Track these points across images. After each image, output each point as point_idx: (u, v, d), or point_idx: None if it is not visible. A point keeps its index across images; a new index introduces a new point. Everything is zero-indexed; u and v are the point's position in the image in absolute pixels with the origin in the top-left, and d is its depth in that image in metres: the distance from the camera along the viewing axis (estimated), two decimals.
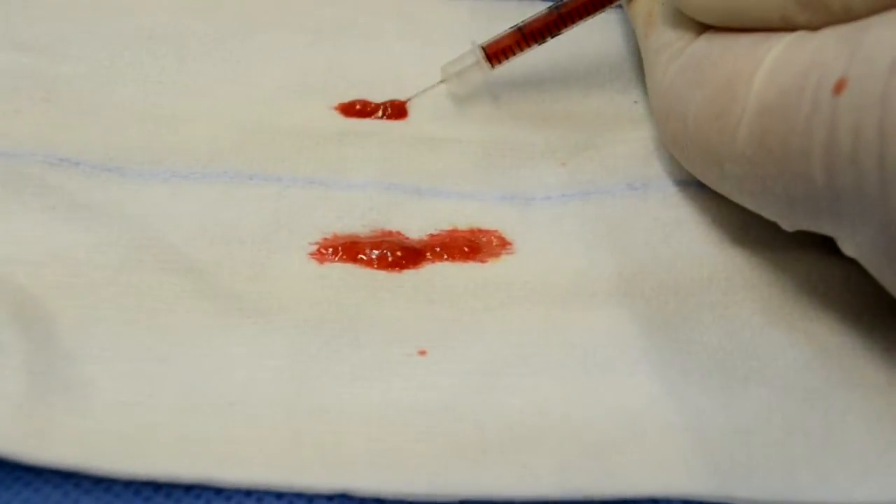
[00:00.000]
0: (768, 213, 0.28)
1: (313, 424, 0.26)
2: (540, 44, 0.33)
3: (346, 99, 0.34)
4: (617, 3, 0.32)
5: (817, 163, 0.24)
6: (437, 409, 0.26)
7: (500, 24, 0.37)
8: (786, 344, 0.28)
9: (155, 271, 0.29)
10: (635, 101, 0.36)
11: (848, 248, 0.26)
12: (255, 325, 0.28)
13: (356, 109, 0.34)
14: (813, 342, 0.28)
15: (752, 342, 0.28)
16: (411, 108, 0.34)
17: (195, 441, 0.25)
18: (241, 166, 0.32)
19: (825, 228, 0.26)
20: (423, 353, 0.28)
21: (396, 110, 0.34)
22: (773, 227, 0.29)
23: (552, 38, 0.33)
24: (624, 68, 0.36)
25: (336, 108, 0.34)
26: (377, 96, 0.35)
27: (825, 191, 0.24)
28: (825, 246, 0.30)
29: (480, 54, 0.34)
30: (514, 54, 0.34)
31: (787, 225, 0.27)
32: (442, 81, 0.34)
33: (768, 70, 0.25)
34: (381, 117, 0.34)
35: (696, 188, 0.32)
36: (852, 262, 0.30)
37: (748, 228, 0.31)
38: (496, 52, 0.33)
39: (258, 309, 0.28)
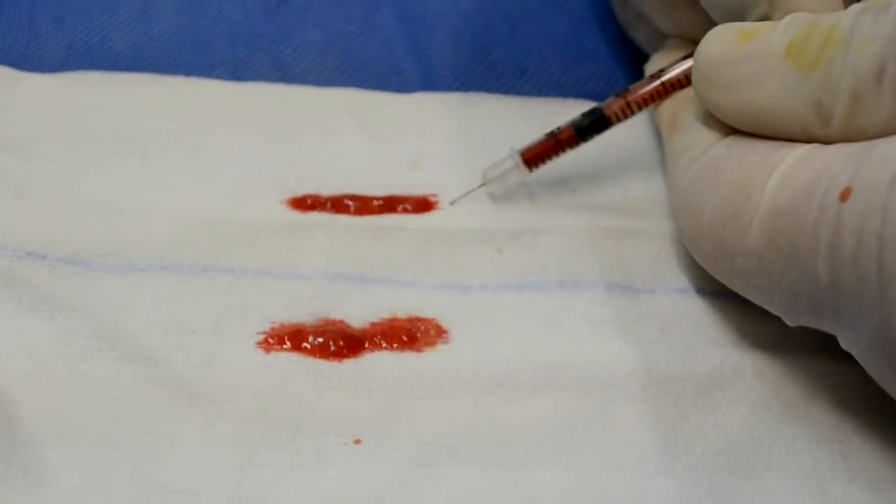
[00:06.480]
0: (773, 308, 0.30)
1: None
2: (573, 148, 0.36)
3: (298, 193, 0.37)
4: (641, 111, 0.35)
5: (822, 262, 0.26)
6: (366, 499, 0.28)
7: (446, 118, 0.39)
8: (696, 437, 0.30)
9: (112, 360, 0.31)
10: (573, 190, 0.38)
11: (846, 345, 0.28)
12: (204, 414, 0.30)
13: (307, 203, 0.36)
14: (722, 435, 0.30)
15: (664, 435, 0.30)
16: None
17: None
18: (195, 259, 0.34)
19: (825, 325, 0.28)
20: (358, 441, 0.30)
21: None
22: (688, 327, 0.32)
23: (584, 143, 0.36)
24: (563, 161, 0.38)
25: (287, 202, 0.36)
26: (326, 190, 0.37)
27: (828, 289, 0.27)
28: (737, 343, 0.32)
29: (518, 159, 0.36)
30: (550, 159, 0.36)
31: (790, 320, 0.30)
32: (483, 185, 0.37)
33: (781, 176, 0.28)
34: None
35: (620, 290, 0.34)
36: (759, 355, 0.32)
37: (666, 328, 0.33)
38: (533, 157, 0.36)
39: (207, 397, 0.30)
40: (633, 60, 0.42)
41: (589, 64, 0.43)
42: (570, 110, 0.37)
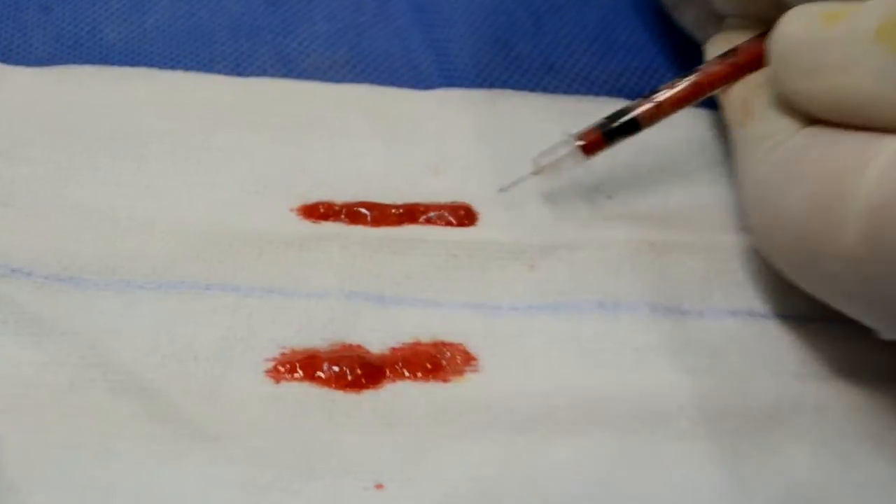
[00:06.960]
0: (868, 318, 0.27)
1: None
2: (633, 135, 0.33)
3: (309, 200, 0.33)
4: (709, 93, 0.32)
5: None
6: None
7: (469, 117, 0.36)
8: (756, 483, 0.27)
9: (105, 391, 0.28)
10: (609, 197, 0.35)
11: None
12: (206, 453, 0.27)
13: (319, 212, 0.33)
14: (785, 480, 0.27)
15: (721, 480, 0.27)
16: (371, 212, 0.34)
17: None
18: (197, 275, 0.31)
19: None
20: (379, 486, 0.27)
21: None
22: (741, 355, 0.28)
23: (645, 128, 0.33)
24: (597, 164, 0.35)
25: (298, 210, 0.33)
26: (339, 197, 0.34)
27: None
28: (797, 372, 0.30)
29: (574, 143, 0.33)
30: (608, 145, 0.33)
31: (890, 332, 0.27)
32: (534, 173, 0.33)
33: (884, 167, 0.25)
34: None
35: (664, 313, 0.31)
36: (822, 385, 0.29)
37: (717, 356, 0.30)
38: (591, 143, 0.33)
39: (210, 434, 0.28)
40: (668, 54, 0.39)
41: (621, 58, 0.40)
42: (604, 108, 0.34)
